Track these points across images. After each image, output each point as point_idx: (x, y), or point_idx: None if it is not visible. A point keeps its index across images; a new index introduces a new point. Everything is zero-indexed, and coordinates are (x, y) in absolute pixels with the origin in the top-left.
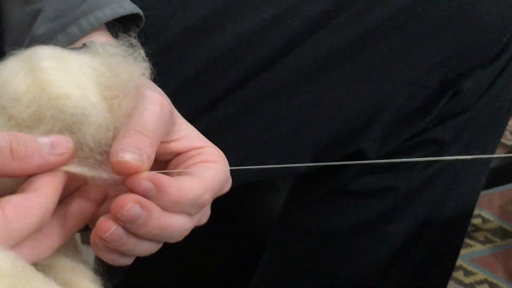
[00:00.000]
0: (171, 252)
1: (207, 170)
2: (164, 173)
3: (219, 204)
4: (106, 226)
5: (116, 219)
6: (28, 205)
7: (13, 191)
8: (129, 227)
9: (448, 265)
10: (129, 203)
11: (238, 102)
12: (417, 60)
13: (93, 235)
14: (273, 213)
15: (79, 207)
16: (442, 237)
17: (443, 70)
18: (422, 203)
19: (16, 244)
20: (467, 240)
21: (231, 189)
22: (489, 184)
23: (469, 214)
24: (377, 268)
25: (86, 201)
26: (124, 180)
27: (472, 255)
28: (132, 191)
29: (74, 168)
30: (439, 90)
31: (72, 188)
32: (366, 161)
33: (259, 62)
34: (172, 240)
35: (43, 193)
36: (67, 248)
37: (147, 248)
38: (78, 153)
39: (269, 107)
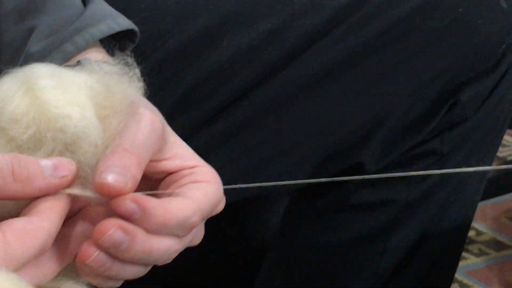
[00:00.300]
0: (166, 269)
1: (197, 190)
2: (152, 194)
3: (217, 219)
4: (88, 252)
5: (98, 245)
6: (30, 229)
7: (15, 214)
8: (113, 252)
9: (447, 277)
10: (111, 228)
11: (236, 117)
12: (415, 72)
13: (77, 261)
14: (271, 228)
15: (82, 229)
16: (441, 249)
17: (441, 82)
18: (421, 216)
19: (17, 269)
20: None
21: (229, 204)
22: (483, 196)
23: (467, 226)
24: (377, 282)
25: (89, 223)
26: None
27: (467, 268)
28: (116, 213)
29: (77, 191)
30: (437, 102)
31: (75, 210)
32: (358, 177)
33: (256, 76)
34: (160, 263)
35: (47, 217)
36: (70, 269)
37: (134, 272)
38: (79, 173)
39: (267, 121)
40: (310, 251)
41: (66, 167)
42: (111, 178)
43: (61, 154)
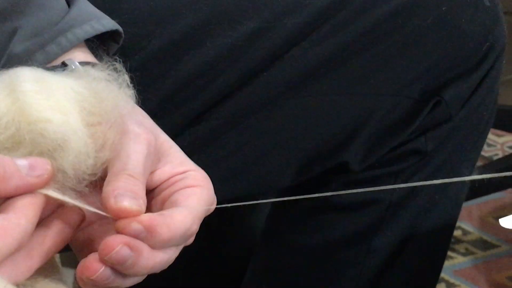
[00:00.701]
0: (153, 274)
1: (191, 197)
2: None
3: (201, 223)
4: (94, 268)
5: (104, 261)
6: (7, 226)
7: None
8: (118, 268)
9: (433, 277)
10: (117, 245)
11: (220, 117)
12: (399, 71)
13: (79, 273)
14: (257, 230)
15: (58, 229)
16: (426, 249)
17: (424, 81)
18: (406, 215)
19: None
20: (448, 253)
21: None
22: (469, 196)
23: (452, 225)
24: (363, 283)
25: (65, 224)
26: (113, 220)
27: (453, 267)
28: (122, 233)
29: (53, 194)
30: (421, 101)
31: (51, 210)
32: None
33: (240, 77)
34: (158, 271)
35: (23, 214)
36: (46, 268)
37: (133, 282)
38: (58, 178)
39: (252, 121)
40: (295, 252)
41: (42, 166)
42: (127, 203)
43: (40, 157)
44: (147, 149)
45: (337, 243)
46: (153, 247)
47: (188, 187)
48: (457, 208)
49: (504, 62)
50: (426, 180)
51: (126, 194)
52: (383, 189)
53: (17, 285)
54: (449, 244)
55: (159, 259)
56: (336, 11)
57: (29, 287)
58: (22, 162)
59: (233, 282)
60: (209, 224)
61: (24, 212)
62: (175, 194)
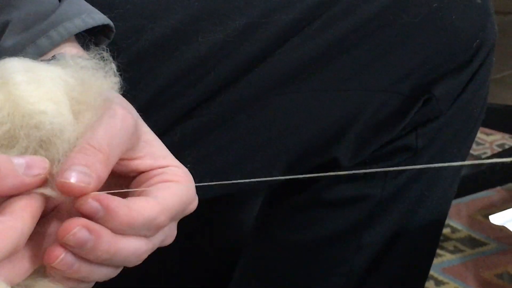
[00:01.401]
0: (138, 271)
1: (165, 190)
2: (119, 193)
3: (189, 219)
4: (55, 254)
5: (64, 245)
6: (2, 229)
7: None
8: (79, 252)
9: (422, 273)
10: (75, 227)
11: (210, 113)
12: (389, 68)
13: (45, 262)
14: (246, 226)
15: (56, 228)
16: (416, 245)
17: (415, 77)
18: (396, 211)
19: None
20: (437, 250)
21: (202, 202)
22: (457, 194)
23: (442, 222)
24: (352, 279)
25: (61, 222)
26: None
27: (442, 265)
28: (79, 212)
29: (51, 193)
30: (411, 97)
31: (50, 208)
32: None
33: (231, 72)
34: (130, 264)
35: (20, 217)
36: (45, 268)
37: (104, 273)
38: (53, 171)
39: (242, 117)
40: (285, 249)
41: (39, 165)
42: (73, 177)
43: (35, 151)
44: (120, 123)
45: (327, 240)
46: (114, 230)
47: (165, 181)
48: (447, 204)
49: (494, 60)
50: (416, 177)
51: (76, 169)
52: (373, 185)
53: (15, 285)
54: (438, 240)
55: (122, 245)
56: (327, 8)
57: (26, 287)
58: (19, 161)
59: (222, 279)
60: (195, 222)
61: (21, 214)
62: (152, 187)
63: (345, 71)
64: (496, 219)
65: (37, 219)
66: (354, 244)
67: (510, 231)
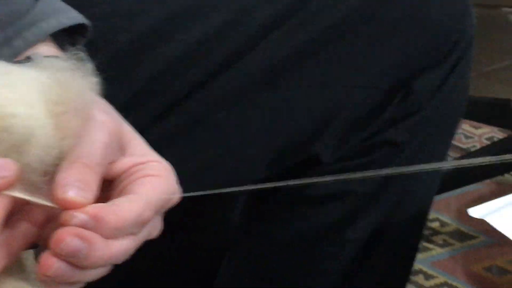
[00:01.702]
0: (123, 269)
1: (145, 185)
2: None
3: (173, 218)
4: (49, 264)
5: (57, 255)
6: None
7: None
8: (73, 260)
9: (407, 267)
10: (67, 237)
11: (190, 111)
12: (369, 63)
13: (38, 272)
14: (231, 224)
15: (23, 229)
16: (400, 240)
17: (393, 71)
18: (379, 206)
19: None
20: (426, 244)
21: (186, 202)
22: (446, 188)
23: (425, 215)
24: (337, 275)
25: (30, 223)
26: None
27: (431, 259)
28: (67, 225)
29: (19, 194)
30: (390, 92)
31: (16, 209)
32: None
33: (210, 70)
34: (119, 262)
35: None
36: (12, 267)
37: (95, 275)
38: (24, 174)
39: (221, 115)
40: (270, 246)
41: (7, 167)
42: (73, 193)
43: (6, 153)
44: (108, 137)
45: (311, 235)
46: (105, 236)
47: (146, 176)
48: (430, 198)
49: (473, 53)
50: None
51: (74, 185)
52: (356, 181)
53: None
54: (422, 233)
55: (115, 248)
56: (305, 3)
57: None
58: None
59: (207, 276)
60: (179, 221)
61: None
62: (132, 183)
63: (325, 67)
64: (476, 212)
65: (4, 220)
66: (339, 240)
67: (489, 224)
